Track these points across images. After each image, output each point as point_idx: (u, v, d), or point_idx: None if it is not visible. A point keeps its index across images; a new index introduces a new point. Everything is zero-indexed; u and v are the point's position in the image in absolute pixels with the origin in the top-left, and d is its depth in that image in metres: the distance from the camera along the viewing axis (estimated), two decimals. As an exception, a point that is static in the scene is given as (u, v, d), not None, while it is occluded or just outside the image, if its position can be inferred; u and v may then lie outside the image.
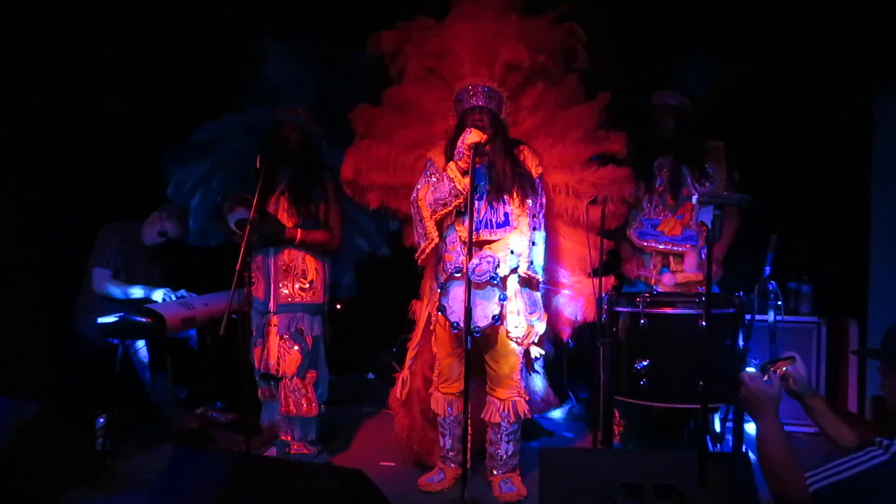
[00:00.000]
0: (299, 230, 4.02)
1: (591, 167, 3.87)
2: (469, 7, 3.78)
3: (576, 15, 4.15)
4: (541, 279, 3.67)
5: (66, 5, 4.71)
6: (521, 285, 3.62)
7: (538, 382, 3.93)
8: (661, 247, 4.14)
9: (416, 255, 3.75)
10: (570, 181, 3.86)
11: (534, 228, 3.58)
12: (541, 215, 3.62)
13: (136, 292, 4.52)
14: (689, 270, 4.08)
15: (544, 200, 3.67)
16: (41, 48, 4.68)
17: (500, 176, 3.55)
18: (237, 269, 3.48)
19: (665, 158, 4.18)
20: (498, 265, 3.42)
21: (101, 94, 5.05)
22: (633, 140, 4.19)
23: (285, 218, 4.05)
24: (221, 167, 4.29)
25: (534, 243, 3.57)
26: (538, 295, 3.73)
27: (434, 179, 3.65)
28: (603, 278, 3.69)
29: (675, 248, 4.11)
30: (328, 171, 4.17)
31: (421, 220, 3.69)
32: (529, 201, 3.57)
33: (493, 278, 3.39)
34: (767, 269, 3.29)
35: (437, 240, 3.66)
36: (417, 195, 3.70)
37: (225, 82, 4.64)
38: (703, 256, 3.56)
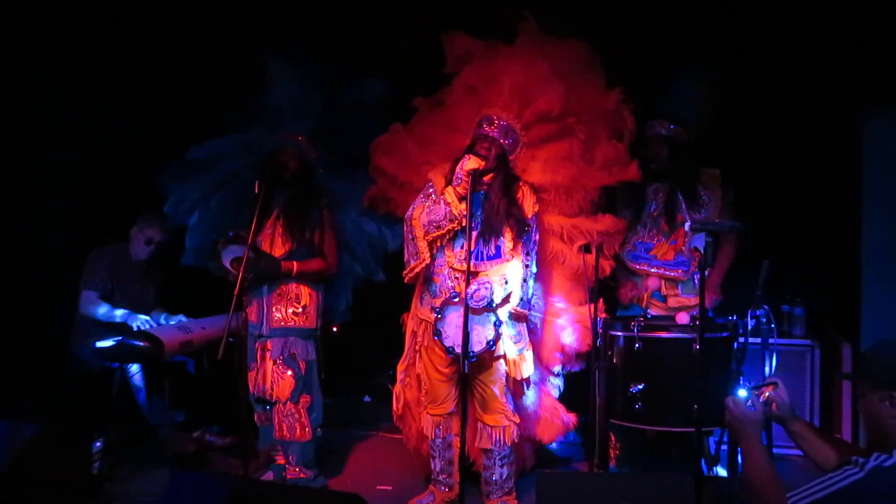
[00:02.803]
0: (295, 263, 4.01)
1: (586, 214, 3.91)
2: (530, 43, 3.82)
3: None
4: (528, 314, 3.70)
5: (64, 19, 4.76)
6: (510, 317, 3.63)
7: (547, 400, 3.98)
8: (653, 270, 4.17)
9: (405, 272, 3.75)
10: (564, 225, 3.88)
11: (526, 266, 3.60)
12: (533, 252, 3.65)
13: (118, 314, 4.46)
14: (682, 295, 4.13)
15: (537, 238, 3.69)
16: (38, 63, 4.72)
17: (493, 213, 3.58)
18: (235, 293, 3.52)
19: (659, 184, 4.23)
20: (494, 290, 3.44)
21: (97, 114, 5.09)
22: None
23: (280, 243, 4.06)
24: (221, 187, 4.32)
25: (525, 280, 3.60)
26: (524, 327, 3.74)
27: (430, 201, 3.67)
28: (598, 302, 3.72)
29: (667, 272, 4.15)
30: (325, 198, 4.19)
31: (413, 239, 3.70)
32: (522, 241, 3.60)
33: (489, 304, 3.41)
34: (760, 292, 3.33)
35: (427, 260, 3.67)
36: (412, 214, 3.72)
37: (225, 99, 4.70)
38: (697, 282, 3.60)
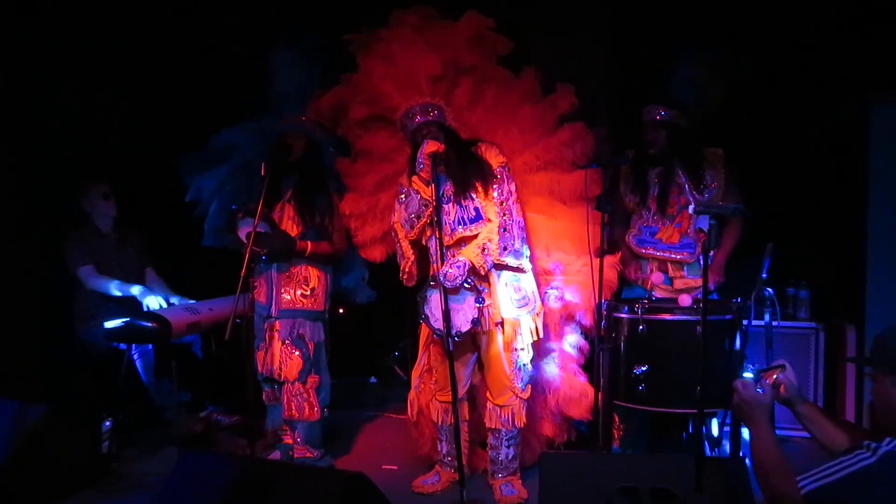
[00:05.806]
0: (309, 242, 4.05)
1: (549, 133, 3.92)
2: (377, 45, 3.85)
3: (576, 24, 4.20)
4: (520, 265, 3.66)
5: (69, 12, 4.76)
6: (503, 273, 3.63)
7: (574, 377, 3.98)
8: (659, 254, 4.17)
9: (400, 275, 3.80)
10: (536, 153, 3.90)
11: (502, 215, 3.61)
12: (509, 202, 3.64)
13: (135, 290, 4.47)
14: (688, 276, 4.13)
15: (512, 188, 3.67)
16: (44, 58, 4.72)
17: (458, 174, 3.63)
18: (242, 274, 3.54)
19: (662, 168, 4.21)
20: (470, 268, 3.48)
21: (103, 100, 5.10)
22: (631, 147, 4.24)
23: (290, 226, 4.08)
24: (235, 175, 4.34)
25: (504, 229, 3.60)
26: (529, 287, 3.73)
27: (404, 198, 3.74)
28: (607, 256, 3.69)
29: (673, 255, 4.15)
30: (334, 181, 4.20)
31: (398, 242, 3.78)
32: (494, 191, 3.62)
33: (465, 282, 3.46)
34: (764, 274, 3.33)
35: (412, 257, 3.74)
36: (394, 219, 3.80)
37: (235, 89, 4.70)
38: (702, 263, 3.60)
